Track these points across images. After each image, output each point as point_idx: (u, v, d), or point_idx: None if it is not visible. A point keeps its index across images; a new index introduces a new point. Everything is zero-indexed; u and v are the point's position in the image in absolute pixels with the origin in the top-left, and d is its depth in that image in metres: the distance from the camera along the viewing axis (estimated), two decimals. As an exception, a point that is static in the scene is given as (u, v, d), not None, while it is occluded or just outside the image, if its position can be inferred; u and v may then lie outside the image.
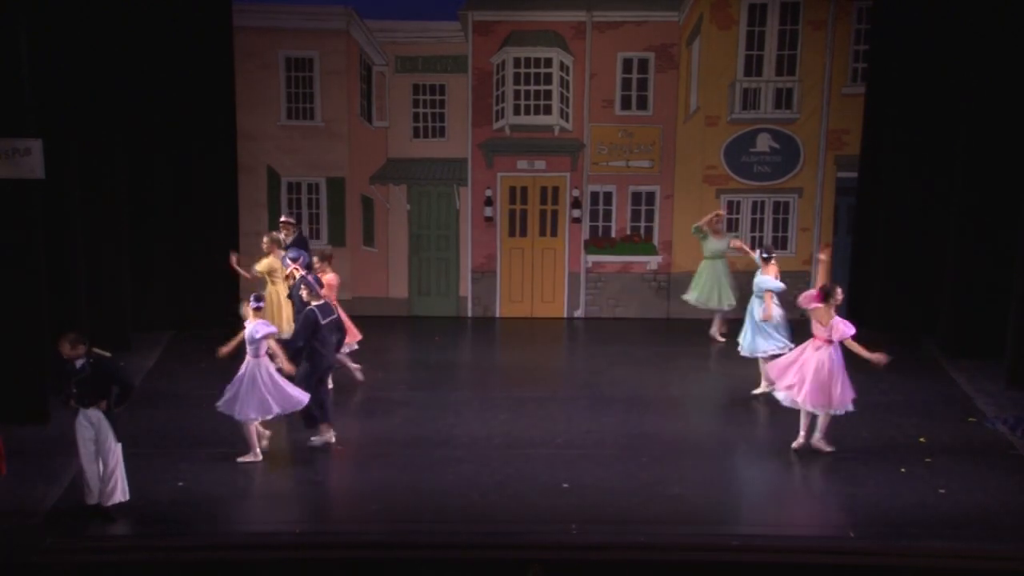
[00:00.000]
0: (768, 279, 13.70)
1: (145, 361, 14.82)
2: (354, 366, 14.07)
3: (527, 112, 16.48)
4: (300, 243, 14.72)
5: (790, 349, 13.22)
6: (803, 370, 12.09)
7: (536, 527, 10.78)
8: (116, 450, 10.68)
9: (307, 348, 12.19)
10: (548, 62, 16.36)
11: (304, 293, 12.42)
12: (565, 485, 11.54)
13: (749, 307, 13.97)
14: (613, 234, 16.84)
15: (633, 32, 16.23)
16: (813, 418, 12.23)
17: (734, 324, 15.08)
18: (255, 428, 11.93)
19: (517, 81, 16.39)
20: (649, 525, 10.81)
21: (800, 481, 11.96)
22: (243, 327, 11.98)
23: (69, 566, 9.98)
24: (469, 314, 17.02)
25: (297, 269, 13.34)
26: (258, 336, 11.83)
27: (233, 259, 14.75)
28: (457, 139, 16.56)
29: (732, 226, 16.56)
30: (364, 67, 16.32)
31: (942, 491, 11.46)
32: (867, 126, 16.10)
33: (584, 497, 11.33)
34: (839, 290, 12.17)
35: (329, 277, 13.51)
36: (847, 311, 13.94)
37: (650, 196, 16.72)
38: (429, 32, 16.19)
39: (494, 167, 16.66)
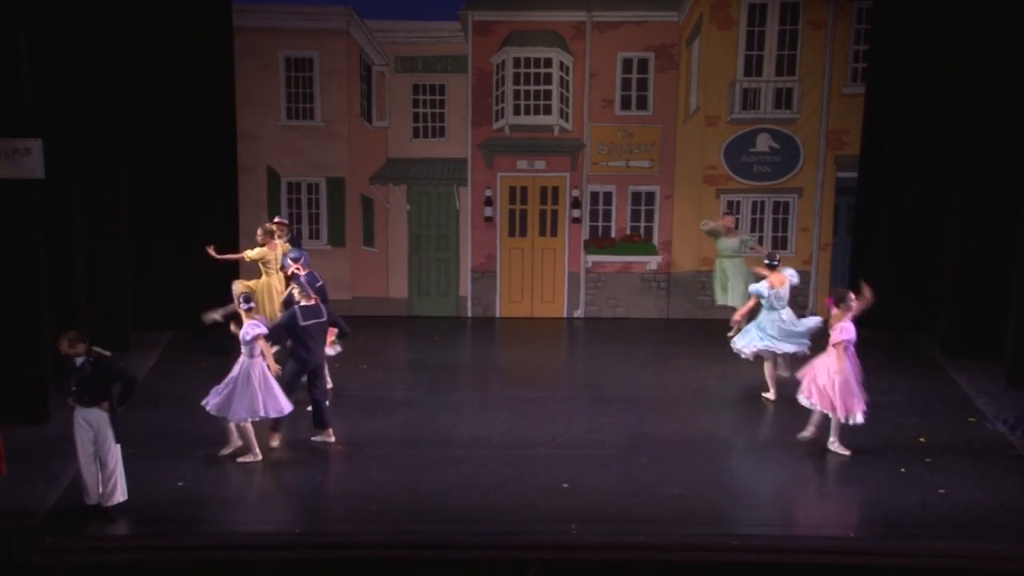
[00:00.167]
0: (758, 285, 13.79)
1: (145, 361, 14.82)
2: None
3: (527, 112, 16.48)
4: (294, 244, 14.74)
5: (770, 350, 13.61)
6: (813, 371, 12.25)
7: (536, 527, 10.78)
8: (115, 451, 10.68)
9: (293, 348, 12.23)
10: (548, 62, 16.36)
11: (295, 292, 12.45)
12: (565, 485, 11.54)
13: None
14: (613, 234, 16.84)
15: (633, 32, 16.23)
16: (826, 418, 12.23)
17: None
18: (249, 427, 11.93)
19: (517, 81, 16.39)
20: (649, 525, 10.81)
21: (800, 481, 11.96)
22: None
23: (69, 566, 9.97)
24: (469, 314, 17.02)
25: (299, 268, 13.39)
26: (248, 338, 11.84)
27: (211, 251, 14.72)
28: (457, 139, 16.56)
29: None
30: (364, 67, 16.32)
31: (942, 491, 11.46)
32: (867, 126, 16.10)
33: (584, 497, 11.33)
34: (851, 295, 12.17)
35: None
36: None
37: (650, 196, 16.72)
38: (429, 32, 16.20)
39: (494, 167, 16.66)
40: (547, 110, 16.48)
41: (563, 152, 16.61)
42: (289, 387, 12.18)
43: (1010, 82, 14.11)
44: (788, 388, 13.93)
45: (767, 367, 13.84)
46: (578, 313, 17.05)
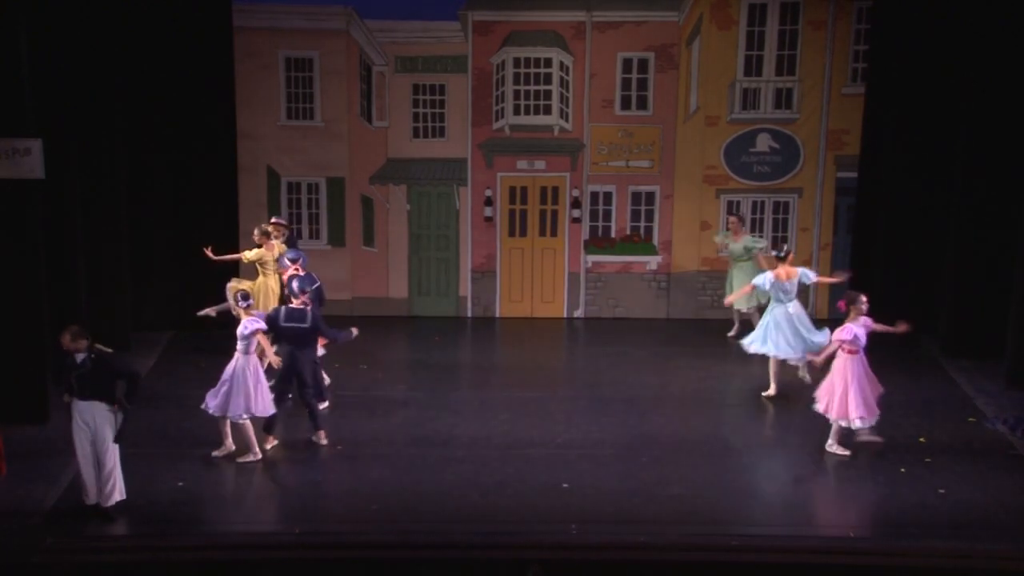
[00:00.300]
0: (760, 276, 13.89)
1: (145, 361, 14.81)
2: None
3: (527, 112, 16.48)
4: (291, 243, 14.70)
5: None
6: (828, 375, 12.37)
7: (536, 527, 10.78)
8: (114, 451, 10.67)
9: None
10: (548, 62, 16.36)
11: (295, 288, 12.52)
12: (565, 485, 11.54)
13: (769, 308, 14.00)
14: (613, 234, 16.84)
15: (633, 32, 16.23)
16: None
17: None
18: (248, 426, 11.93)
19: (517, 81, 16.39)
20: (649, 525, 10.81)
21: (800, 481, 11.96)
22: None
23: (69, 566, 9.97)
24: (469, 314, 17.02)
25: (298, 270, 13.41)
26: (247, 332, 11.89)
27: (209, 252, 14.69)
28: (457, 139, 16.56)
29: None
30: (364, 67, 16.32)
31: (942, 491, 11.46)
32: (867, 126, 16.10)
33: (584, 497, 11.33)
34: (863, 298, 12.14)
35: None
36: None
37: (650, 196, 16.71)
38: (429, 32, 16.19)
39: (494, 167, 16.66)
40: (547, 110, 16.47)
41: (563, 152, 16.61)
42: (279, 385, 12.22)
43: (1010, 82, 14.11)
44: (789, 388, 13.98)
45: (772, 363, 13.82)
46: (578, 313, 17.05)
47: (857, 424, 12.04)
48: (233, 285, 13.98)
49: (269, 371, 12.40)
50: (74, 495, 10.96)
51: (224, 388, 11.81)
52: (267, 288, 14.31)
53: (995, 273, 14.50)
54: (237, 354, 11.92)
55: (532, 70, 16.39)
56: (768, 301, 14.10)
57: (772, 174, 16.59)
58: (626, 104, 16.46)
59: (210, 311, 13.70)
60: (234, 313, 12.38)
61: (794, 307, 13.76)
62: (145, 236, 15.72)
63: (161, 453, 12.10)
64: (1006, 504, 11.20)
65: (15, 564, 9.94)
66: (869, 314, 12.18)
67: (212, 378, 12.09)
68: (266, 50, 16.14)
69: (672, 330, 16.58)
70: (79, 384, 10.55)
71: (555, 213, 16.80)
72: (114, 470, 10.68)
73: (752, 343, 13.91)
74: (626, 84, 16.40)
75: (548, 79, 16.40)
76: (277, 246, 14.44)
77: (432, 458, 12.15)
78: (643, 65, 16.34)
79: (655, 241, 16.83)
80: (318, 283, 13.43)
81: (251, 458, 11.96)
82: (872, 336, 12.21)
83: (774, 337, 13.72)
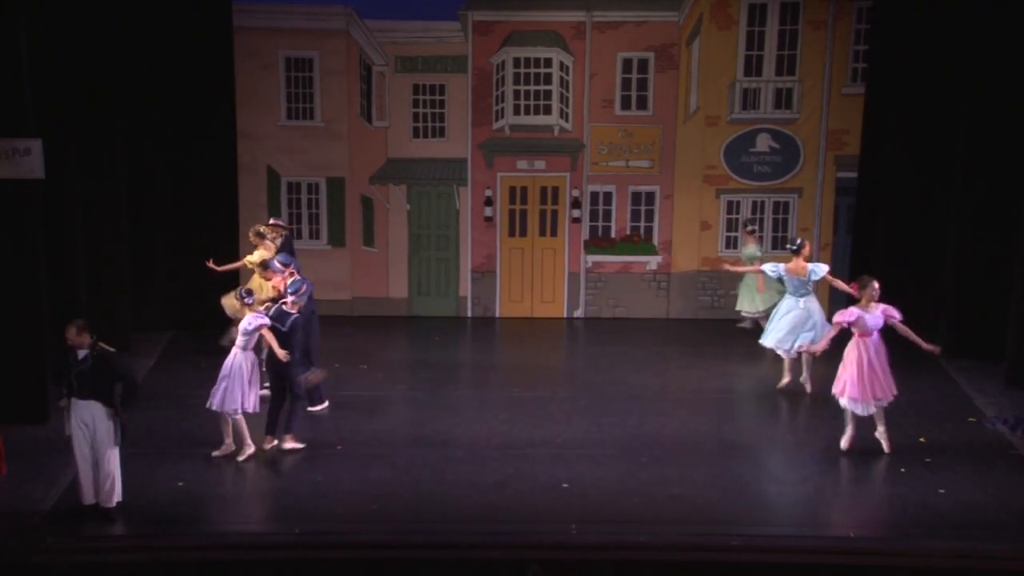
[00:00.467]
0: (774, 264, 14.03)
1: (145, 361, 14.82)
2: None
3: (527, 112, 16.48)
4: (287, 246, 14.51)
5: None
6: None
7: (536, 527, 10.77)
8: (112, 452, 10.65)
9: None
10: (548, 62, 16.36)
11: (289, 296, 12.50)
12: (565, 485, 11.54)
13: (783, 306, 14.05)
14: (613, 234, 16.84)
15: (633, 32, 16.23)
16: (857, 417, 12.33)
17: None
18: (241, 420, 11.93)
19: (517, 81, 16.39)
20: (649, 525, 10.80)
21: (800, 481, 11.94)
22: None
23: (69, 566, 9.96)
24: (469, 314, 17.02)
25: (294, 273, 13.33)
26: (251, 327, 11.90)
27: (211, 264, 14.58)
28: (457, 139, 16.56)
29: (731, 226, 16.62)
30: (364, 67, 16.32)
31: (942, 491, 11.46)
32: (867, 126, 16.10)
33: (584, 497, 11.33)
34: (875, 284, 12.08)
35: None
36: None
37: (650, 196, 16.72)
38: (429, 32, 16.20)
39: (494, 167, 16.66)
40: (547, 110, 16.48)
41: (563, 152, 16.61)
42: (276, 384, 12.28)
43: (1010, 82, 14.10)
44: (792, 388, 13.99)
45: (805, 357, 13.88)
46: (578, 313, 17.05)
47: (844, 403, 12.08)
48: (227, 301, 13.80)
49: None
50: (74, 495, 10.94)
51: (223, 384, 11.83)
52: (263, 288, 14.15)
53: (995, 273, 14.50)
54: (236, 349, 11.93)
55: (532, 70, 16.39)
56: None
57: (772, 174, 16.59)
58: (626, 104, 16.46)
59: (227, 337, 13.42)
60: (238, 316, 12.29)
61: (806, 302, 13.75)
62: (145, 236, 15.72)
63: (161, 453, 12.10)
64: (1006, 504, 11.19)
65: (15, 564, 9.94)
66: (903, 315, 12.11)
67: (212, 378, 12.08)
68: (266, 50, 16.15)
69: (672, 330, 16.58)
70: (78, 382, 10.53)
71: (555, 213, 16.80)
72: (113, 470, 10.67)
73: (763, 339, 14.04)
74: (626, 84, 16.40)
75: (548, 79, 16.40)
76: (274, 247, 14.27)
77: (432, 458, 12.14)
78: (643, 65, 16.34)
79: (655, 241, 16.83)
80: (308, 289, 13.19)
81: (248, 450, 11.96)
82: (890, 334, 12.18)
83: (773, 326, 13.80)
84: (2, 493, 11.13)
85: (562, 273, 16.95)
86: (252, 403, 11.96)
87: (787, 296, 13.97)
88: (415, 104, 16.46)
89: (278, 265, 13.27)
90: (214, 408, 11.92)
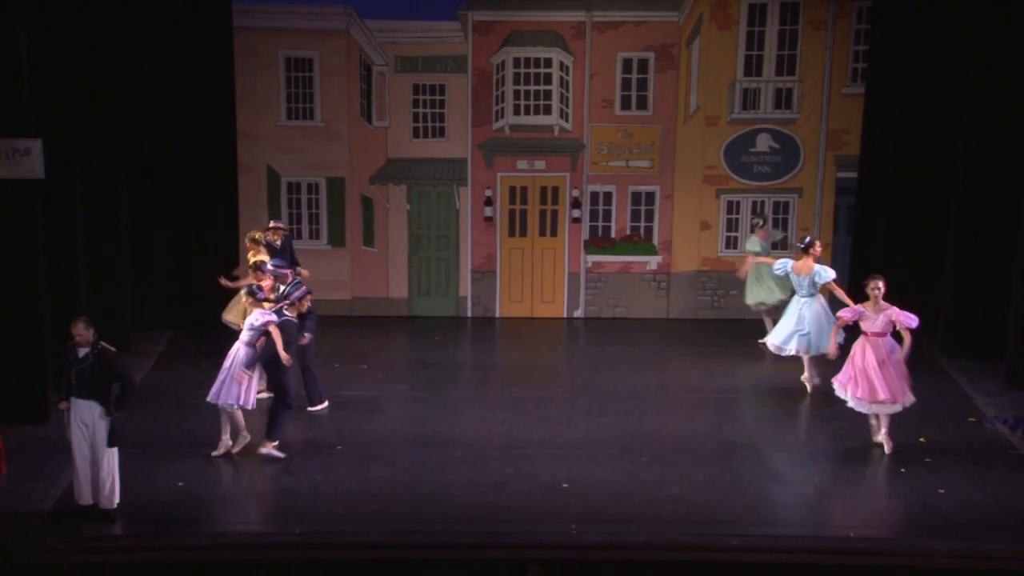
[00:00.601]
0: (783, 261, 14.08)
1: (145, 361, 14.82)
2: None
3: (527, 112, 16.48)
4: (285, 246, 14.43)
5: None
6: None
7: (536, 527, 10.77)
8: (112, 454, 10.64)
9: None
10: (548, 62, 16.36)
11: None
12: (565, 485, 11.54)
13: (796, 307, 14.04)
14: (613, 234, 16.84)
15: (633, 32, 16.23)
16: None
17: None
18: (237, 412, 11.95)
19: (517, 81, 16.39)
20: (649, 525, 10.81)
21: (799, 481, 11.94)
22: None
23: (69, 566, 9.97)
24: (469, 314, 17.02)
25: (297, 273, 13.38)
26: (259, 324, 11.92)
27: (223, 280, 14.41)
28: (457, 139, 16.56)
29: (731, 226, 16.62)
30: (364, 67, 16.32)
31: (942, 491, 11.46)
32: (867, 126, 16.10)
33: (584, 497, 11.33)
34: (878, 284, 12.14)
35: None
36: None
37: (650, 196, 16.72)
38: (429, 32, 16.19)
39: (494, 167, 16.65)
40: (547, 110, 16.47)
41: (563, 152, 16.61)
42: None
43: (1010, 82, 14.10)
44: (793, 387, 13.99)
45: (804, 357, 13.90)
46: (578, 313, 17.05)
47: (839, 392, 12.09)
48: (229, 316, 13.77)
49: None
50: (73, 495, 10.94)
51: (223, 377, 11.84)
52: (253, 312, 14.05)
53: (995, 273, 14.49)
54: (239, 343, 11.94)
55: (532, 70, 16.38)
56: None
57: (772, 174, 16.59)
58: (626, 104, 16.46)
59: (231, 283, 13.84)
60: (250, 309, 12.31)
61: (812, 303, 13.75)
62: (145, 236, 15.72)
63: (161, 453, 12.10)
64: (1006, 504, 11.19)
65: (15, 564, 9.94)
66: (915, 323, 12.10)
67: (212, 378, 12.08)
68: (266, 50, 16.14)
69: (672, 330, 16.58)
70: (78, 381, 10.54)
71: (555, 213, 16.80)
72: (112, 471, 10.66)
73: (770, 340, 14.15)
74: (626, 84, 16.40)
75: (548, 79, 16.40)
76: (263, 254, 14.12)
77: (432, 458, 12.14)
78: (643, 65, 16.34)
79: (655, 241, 16.83)
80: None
81: (244, 440, 12.01)
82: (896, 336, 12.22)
83: (780, 326, 13.82)
84: (2, 493, 11.13)
85: (562, 273, 16.95)
86: (250, 400, 11.95)
87: (795, 297, 13.98)
88: (415, 104, 16.46)
89: (270, 268, 13.26)
90: (211, 400, 11.92)
